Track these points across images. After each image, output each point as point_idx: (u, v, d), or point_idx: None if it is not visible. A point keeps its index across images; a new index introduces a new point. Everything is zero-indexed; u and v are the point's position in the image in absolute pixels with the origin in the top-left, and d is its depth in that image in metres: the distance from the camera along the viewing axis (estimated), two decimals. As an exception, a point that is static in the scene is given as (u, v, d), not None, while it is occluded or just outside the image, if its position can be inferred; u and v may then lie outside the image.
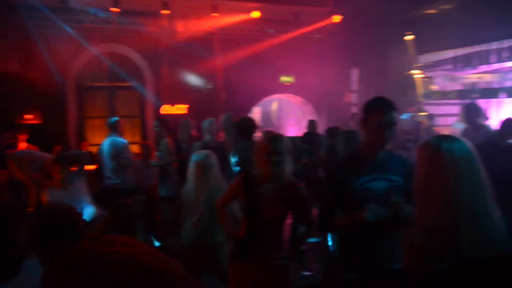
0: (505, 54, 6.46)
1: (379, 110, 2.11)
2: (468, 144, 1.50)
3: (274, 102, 12.83)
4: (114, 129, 5.34)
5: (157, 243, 5.08)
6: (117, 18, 7.82)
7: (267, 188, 2.55)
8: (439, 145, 1.46)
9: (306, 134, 5.31)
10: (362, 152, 2.28)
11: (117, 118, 5.55)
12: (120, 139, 5.33)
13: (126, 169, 5.30)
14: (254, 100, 9.45)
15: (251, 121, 4.45)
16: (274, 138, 2.55)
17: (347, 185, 2.15)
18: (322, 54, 9.13)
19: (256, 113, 12.33)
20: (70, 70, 8.16)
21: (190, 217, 3.14)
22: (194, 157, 3.22)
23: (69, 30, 7.55)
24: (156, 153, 5.63)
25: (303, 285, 3.72)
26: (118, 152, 5.21)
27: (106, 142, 5.32)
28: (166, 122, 5.80)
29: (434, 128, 7.37)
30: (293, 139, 5.37)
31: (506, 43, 6.44)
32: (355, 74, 9.80)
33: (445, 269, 1.18)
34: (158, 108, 8.52)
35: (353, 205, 2.13)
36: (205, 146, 4.95)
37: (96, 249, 1.57)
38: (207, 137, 5.05)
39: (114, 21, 7.87)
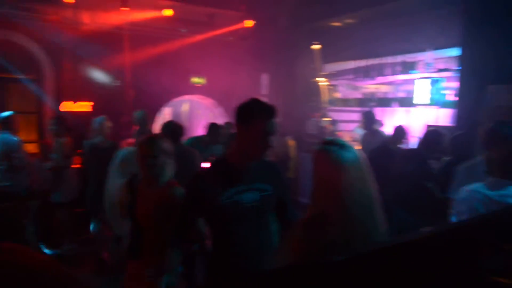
0: (397, 68, 7.13)
1: (264, 118, 1.93)
2: (358, 151, 1.61)
3: (185, 103, 12.66)
4: (6, 125, 4.81)
5: (48, 251, 4.66)
6: (12, 2, 7.08)
7: (146, 191, 2.52)
8: (339, 156, 1.55)
9: (211, 124, 5.29)
10: (231, 160, 2.06)
11: (10, 113, 5.01)
12: (13, 137, 4.82)
13: (18, 171, 4.80)
14: (164, 100, 9.21)
15: (177, 125, 4.29)
16: (148, 141, 2.51)
17: (213, 198, 1.94)
18: (234, 58, 9.23)
19: (166, 114, 12.05)
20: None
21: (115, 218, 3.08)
22: (123, 153, 3.22)
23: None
24: (51, 155, 5.19)
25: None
26: (9, 151, 4.70)
27: (-5, 140, 4.77)
28: (65, 119, 5.37)
29: (337, 132, 7.88)
30: (200, 138, 5.35)
31: (398, 58, 7.11)
32: (265, 78, 10.07)
33: (340, 261, 1.26)
34: (58, 105, 7.87)
35: (221, 220, 2.00)
36: (95, 147, 4.68)
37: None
38: (98, 137, 4.77)
39: (8, 5, 7.11)
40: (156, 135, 2.68)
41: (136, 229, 2.55)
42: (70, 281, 1.55)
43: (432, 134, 4.31)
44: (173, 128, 4.13)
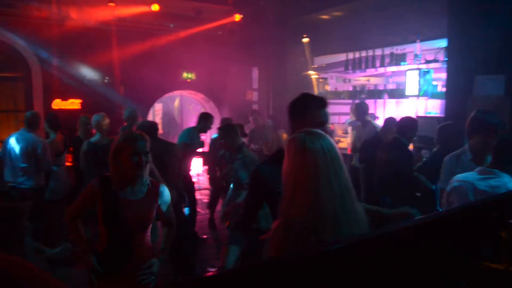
0: (387, 60, 7.17)
1: (319, 108, 2.08)
2: (329, 139, 1.62)
3: (176, 99, 12.61)
4: (30, 124, 4.73)
5: (46, 250, 4.57)
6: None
7: (130, 192, 2.37)
8: (304, 142, 1.57)
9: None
10: None
11: (33, 112, 4.90)
12: (38, 137, 4.78)
13: (39, 172, 4.75)
14: (154, 96, 9.18)
15: (151, 123, 4.29)
16: (137, 137, 2.34)
17: (273, 185, 2.04)
18: (223, 52, 9.21)
19: (157, 110, 12.00)
20: None
21: None
22: None
23: None
24: None
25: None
26: (34, 151, 4.65)
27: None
28: (57, 117, 5.32)
29: (329, 125, 7.91)
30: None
31: (387, 50, 7.15)
32: (255, 72, 10.06)
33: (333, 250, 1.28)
34: (48, 103, 7.78)
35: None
36: (93, 145, 4.59)
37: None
38: (96, 135, 4.68)
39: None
40: (139, 131, 2.48)
41: (115, 238, 2.36)
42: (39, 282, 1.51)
43: (405, 121, 4.42)
44: (148, 127, 4.10)
